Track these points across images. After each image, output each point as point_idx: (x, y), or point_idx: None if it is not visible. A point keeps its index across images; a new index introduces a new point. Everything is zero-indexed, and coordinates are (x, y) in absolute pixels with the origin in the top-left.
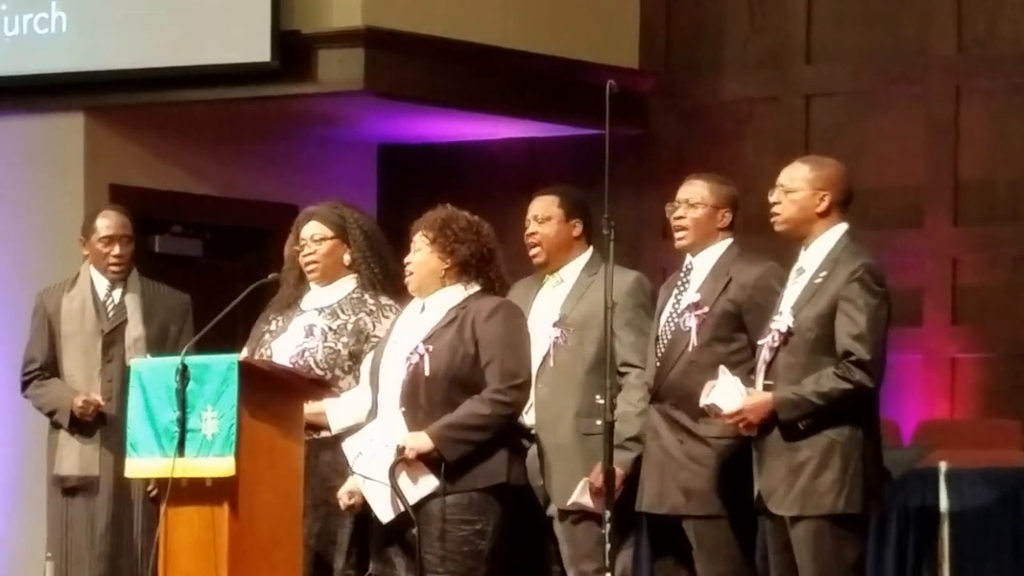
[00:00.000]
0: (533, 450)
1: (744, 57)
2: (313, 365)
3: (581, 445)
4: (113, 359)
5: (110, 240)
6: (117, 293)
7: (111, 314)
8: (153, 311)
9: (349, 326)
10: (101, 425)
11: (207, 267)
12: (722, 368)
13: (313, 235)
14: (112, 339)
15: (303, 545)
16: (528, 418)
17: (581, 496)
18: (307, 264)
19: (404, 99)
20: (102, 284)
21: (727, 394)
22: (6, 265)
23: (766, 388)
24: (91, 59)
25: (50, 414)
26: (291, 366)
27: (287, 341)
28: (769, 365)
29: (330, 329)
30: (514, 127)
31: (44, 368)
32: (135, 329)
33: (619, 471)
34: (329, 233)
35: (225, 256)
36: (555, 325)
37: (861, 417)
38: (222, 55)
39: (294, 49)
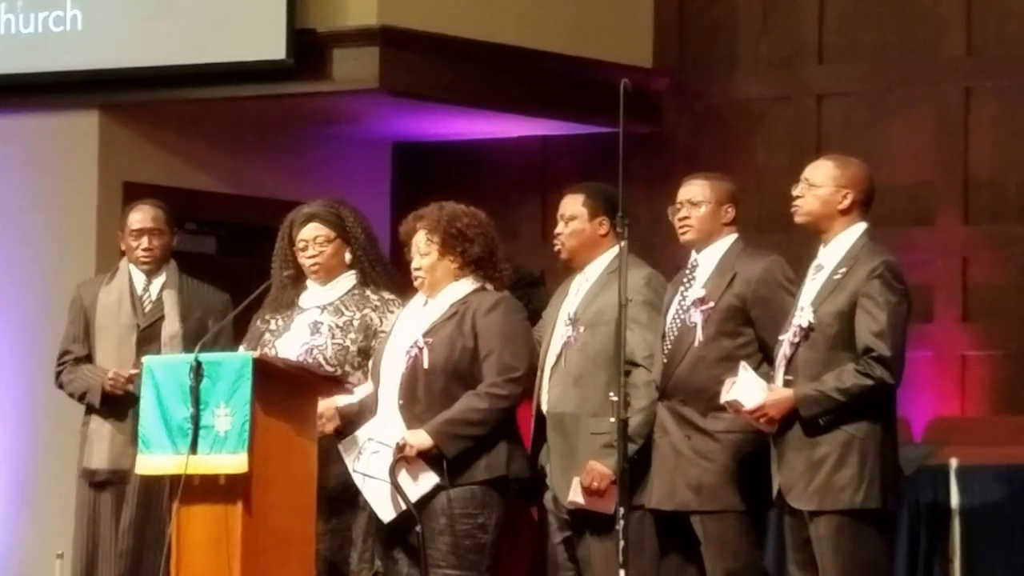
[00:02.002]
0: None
1: (757, 57)
2: (323, 362)
3: (589, 445)
4: (148, 354)
5: (139, 233)
6: (155, 288)
7: (147, 309)
8: (191, 308)
9: (356, 322)
10: (132, 415)
11: (221, 264)
12: (743, 364)
13: (316, 237)
14: (148, 334)
15: (316, 543)
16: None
17: (575, 495)
18: (312, 266)
19: (418, 97)
20: (139, 279)
21: (748, 390)
22: (21, 261)
23: (786, 384)
24: (106, 57)
25: (81, 397)
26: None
27: (292, 339)
28: (789, 360)
29: (336, 326)
30: (528, 125)
31: (79, 360)
32: (172, 325)
33: (607, 471)
34: (332, 234)
35: (239, 253)
36: (567, 324)
37: (879, 413)
38: (237, 53)
39: (309, 47)
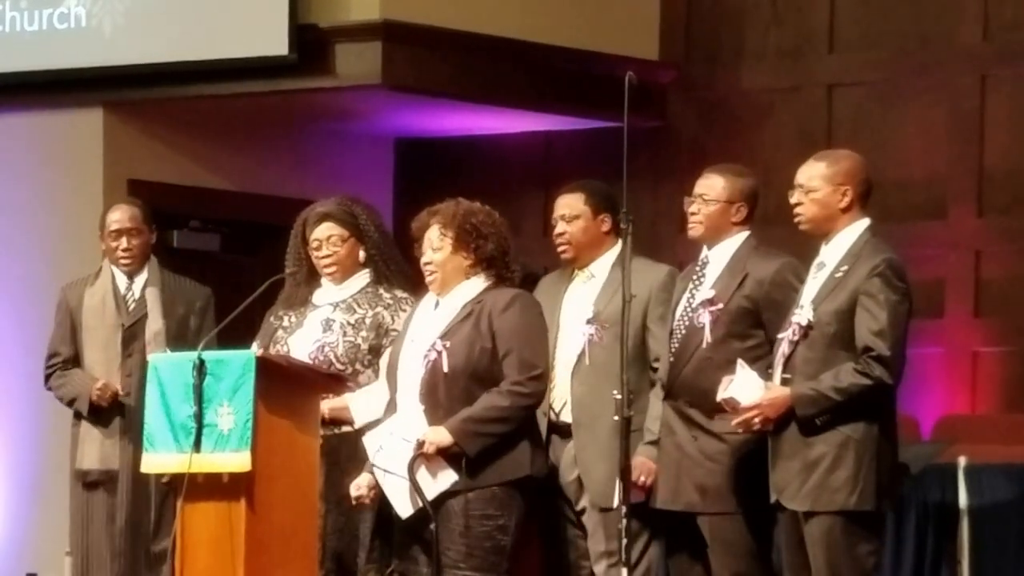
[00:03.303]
0: (568, 446)
1: (765, 47)
2: (334, 359)
3: (619, 442)
4: (133, 353)
5: (118, 234)
6: (138, 287)
7: (131, 308)
8: (174, 304)
9: (367, 320)
10: (120, 415)
11: (225, 262)
12: (740, 362)
13: (330, 237)
14: (132, 333)
15: (324, 541)
16: (564, 415)
17: (622, 495)
18: (327, 267)
19: (421, 93)
20: (122, 278)
21: (745, 388)
22: (25, 259)
23: (784, 382)
24: (109, 54)
25: (70, 403)
26: (310, 361)
27: (304, 336)
28: (788, 359)
29: (348, 323)
30: (531, 120)
31: (67, 362)
32: (155, 323)
33: (653, 466)
34: (346, 233)
35: (243, 251)
36: (589, 322)
37: (877, 414)
38: (240, 49)
39: (311, 43)
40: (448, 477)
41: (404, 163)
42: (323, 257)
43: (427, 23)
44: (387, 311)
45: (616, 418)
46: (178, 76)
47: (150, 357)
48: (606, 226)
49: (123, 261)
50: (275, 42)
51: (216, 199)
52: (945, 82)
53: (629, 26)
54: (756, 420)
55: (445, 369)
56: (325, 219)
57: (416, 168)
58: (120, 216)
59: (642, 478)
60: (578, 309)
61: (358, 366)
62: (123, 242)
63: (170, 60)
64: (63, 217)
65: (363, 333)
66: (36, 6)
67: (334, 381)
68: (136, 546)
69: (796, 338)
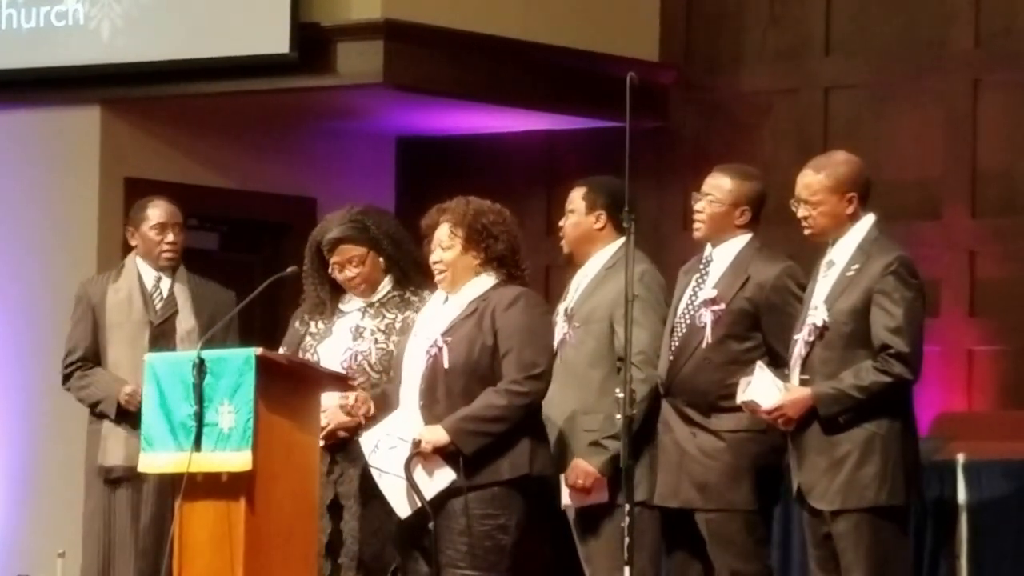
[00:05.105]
0: None
1: (764, 50)
2: (367, 367)
3: (582, 443)
4: (163, 351)
5: (163, 227)
6: (165, 285)
7: (159, 306)
8: (202, 304)
9: (398, 324)
10: None
11: (224, 261)
12: (759, 364)
13: (350, 259)
14: (162, 331)
15: (360, 545)
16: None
17: (566, 497)
18: (355, 287)
19: (423, 92)
20: (149, 275)
21: (764, 390)
22: (22, 256)
23: (802, 383)
24: (107, 52)
25: (94, 405)
26: (343, 369)
27: (334, 344)
28: (805, 359)
29: (379, 329)
30: (533, 120)
31: (85, 359)
32: (187, 321)
33: (591, 469)
34: (363, 250)
35: (242, 249)
36: (563, 321)
37: (899, 409)
38: (240, 47)
39: (313, 41)
40: (445, 476)
41: (406, 162)
42: (350, 279)
43: (429, 22)
44: (418, 315)
45: (617, 416)
46: (178, 74)
47: (146, 356)
48: (599, 223)
49: (167, 255)
50: (276, 40)
51: (215, 197)
52: (939, 85)
53: (629, 27)
54: (778, 422)
55: (445, 365)
56: (339, 243)
57: (418, 167)
58: (162, 211)
59: (580, 481)
60: (567, 307)
61: (392, 372)
62: (168, 235)
63: (169, 58)
64: (59, 215)
65: (394, 338)
66: (34, 3)
67: (336, 380)
68: (162, 544)
69: (812, 338)
